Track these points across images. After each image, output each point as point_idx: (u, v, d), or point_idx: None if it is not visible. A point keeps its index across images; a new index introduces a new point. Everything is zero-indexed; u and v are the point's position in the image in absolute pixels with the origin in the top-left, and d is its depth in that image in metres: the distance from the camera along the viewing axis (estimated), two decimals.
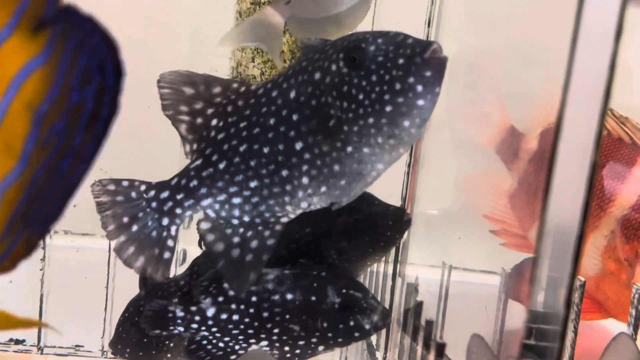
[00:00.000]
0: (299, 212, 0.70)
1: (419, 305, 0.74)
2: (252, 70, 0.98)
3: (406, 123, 0.64)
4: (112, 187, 0.71)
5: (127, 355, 0.82)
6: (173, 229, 0.71)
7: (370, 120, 0.64)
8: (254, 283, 0.72)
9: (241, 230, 0.70)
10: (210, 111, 0.71)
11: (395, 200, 0.91)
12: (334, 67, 0.66)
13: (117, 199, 0.71)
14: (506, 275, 0.85)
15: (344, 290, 0.77)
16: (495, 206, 1.14)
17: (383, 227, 0.81)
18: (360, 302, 0.78)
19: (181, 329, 0.76)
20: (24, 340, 0.85)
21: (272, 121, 0.68)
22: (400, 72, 0.63)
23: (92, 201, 1.14)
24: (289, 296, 0.77)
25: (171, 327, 0.76)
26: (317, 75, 0.66)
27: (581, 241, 0.60)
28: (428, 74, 0.62)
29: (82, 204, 1.15)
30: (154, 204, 0.71)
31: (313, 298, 0.77)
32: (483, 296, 1.06)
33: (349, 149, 0.66)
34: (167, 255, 0.71)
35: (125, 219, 0.71)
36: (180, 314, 0.76)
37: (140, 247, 0.71)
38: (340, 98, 0.65)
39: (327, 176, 0.68)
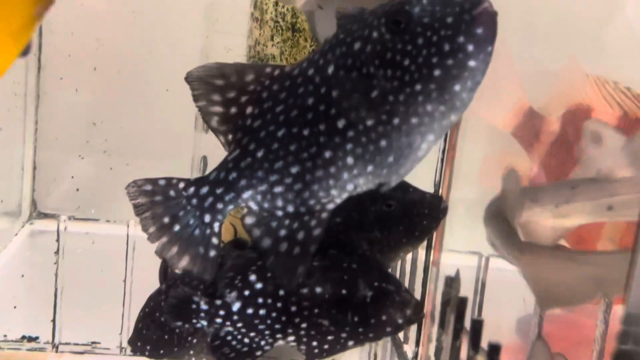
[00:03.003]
0: (344, 195, 0.66)
1: (462, 302, 0.69)
2: (270, 50, 0.93)
3: (457, 87, 0.59)
4: (148, 187, 0.67)
5: (147, 352, 0.78)
6: (216, 225, 0.67)
7: (418, 87, 0.59)
8: (302, 275, 0.67)
9: (287, 222, 0.67)
10: (244, 99, 0.66)
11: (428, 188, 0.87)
12: (375, 34, 0.61)
13: (155, 199, 0.67)
14: None
15: (376, 283, 0.73)
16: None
17: (419, 215, 0.76)
18: (393, 296, 0.74)
19: (204, 322, 0.72)
20: (37, 338, 0.82)
21: (310, 101, 0.64)
22: (448, 31, 0.58)
23: (95, 185, 1.14)
24: (318, 289, 0.72)
25: (194, 320, 0.72)
26: (357, 45, 0.62)
27: None
28: (479, 31, 0.57)
29: (85, 189, 1.14)
30: (194, 201, 0.67)
31: (343, 291, 0.72)
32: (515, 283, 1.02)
33: (396, 121, 0.61)
34: (212, 253, 0.67)
35: (166, 219, 0.67)
36: (204, 306, 0.72)
37: (184, 247, 0.67)
38: (384, 66, 0.60)
39: (373, 154, 0.63)
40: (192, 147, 0.96)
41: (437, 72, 0.58)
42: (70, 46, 1.12)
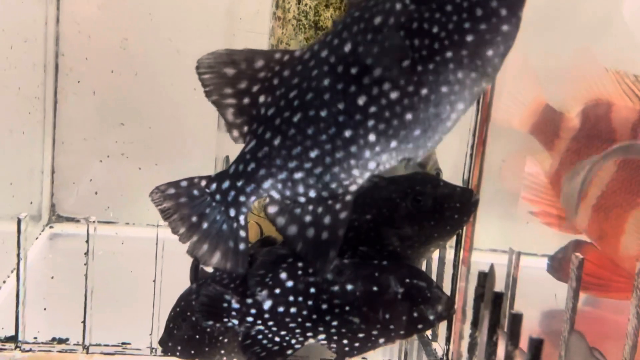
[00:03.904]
0: (366, 175, 0.65)
1: (498, 297, 0.68)
2: (294, 48, 0.92)
3: (490, 52, 0.58)
4: (172, 190, 0.68)
5: (178, 353, 0.77)
6: (241, 218, 0.67)
7: (449, 54, 0.58)
8: (334, 260, 0.67)
9: (310, 207, 0.66)
10: (256, 88, 0.66)
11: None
12: (399, 6, 0.60)
13: (180, 201, 0.67)
14: (578, 260, 0.79)
15: (407, 280, 0.72)
16: (535, 187, 1.11)
17: (450, 209, 0.75)
18: (425, 292, 0.73)
19: (235, 322, 0.71)
20: (67, 339, 0.81)
21: (326, 82, 0.63)
22: None
23: (113, 187, 1.14)
24: (349, 287, 0.72)
25: (225, 319, 0.71)
26: (378, 20, 0.61)
27: None
28: None
29: (103, 192, 1.14)
30: (218, 197, 0.67)
31: (374, 288, 0.72)
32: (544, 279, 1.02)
33: (424, 91, 0.60)
34: (242, 246, 0.68)
35: (194, 219, 0.67)
36: (235, 305, 0.71)
37: (214, 243, 0.68)
38: (411, 37, 0.59)
39: (397, 128, 0.62)
40: (214, 147, 0.96)
41: (469, 38, 0.58)
42: (88, 49, 1.12)
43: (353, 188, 0.65)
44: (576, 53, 1.06)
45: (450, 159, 0.86)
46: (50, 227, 1.17)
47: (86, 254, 0.78)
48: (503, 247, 1.13)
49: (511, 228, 1.16)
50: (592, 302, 1.07)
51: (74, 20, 1.12)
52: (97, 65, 1.12)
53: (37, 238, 1.12)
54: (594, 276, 1.02)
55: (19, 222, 0.78)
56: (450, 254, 0.89)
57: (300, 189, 0.66)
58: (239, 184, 0.66)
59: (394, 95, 0.60)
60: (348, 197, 0.65)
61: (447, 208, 0.75)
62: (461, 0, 0.58)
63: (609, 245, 1.02)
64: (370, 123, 0.62)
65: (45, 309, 0.88)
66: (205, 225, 0.67)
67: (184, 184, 0.67)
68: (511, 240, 1.17)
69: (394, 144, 0.62)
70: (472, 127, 0.83)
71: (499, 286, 0.77)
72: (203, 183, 0.67)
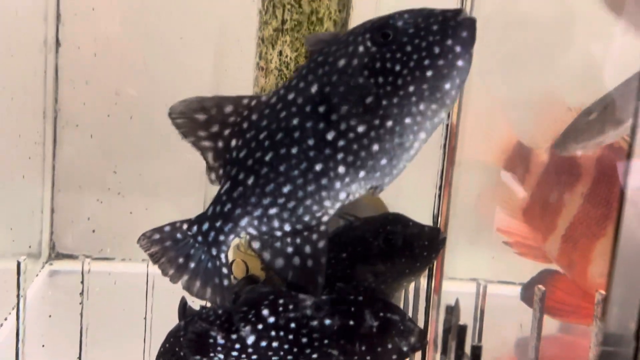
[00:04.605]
0: (337, 205, 0.70)
1: (462, 329, 0.73)
2: None
3: (447, 85, 0.65)
4: (157, 236, 0.72)
5: None
6: (222, 256, 0.72)
7: (411, 88, 0.65)
8: (322, 284, 0.72)
9: (289, 239, 0.71)
10: (227, 132, 0.71)
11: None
12: (361, 49, 0.66)
13: (166, 245, 0.72)
14: (541, 292, 0.85)
15: (381, 314, 0.77)
16: (509, 220, 1.16)
17: (419, 247, 0.81)
18: (398, 325, 0.78)
19: (221, 356, 0.76)
20: None
21: (295, 121, 0.68)
22: (437, 36, 0.64)
23: (110, 225, 1.19)
24: (327, 321, 0.76)
25: (212, 354, 0.76)
26: (342, 62, 0.67)
27: None
28: (464, 34, 0.64)
29: (101, 229, 1.20)
30: (199, 238, 0.72)
31: (351, 322, 0.76)
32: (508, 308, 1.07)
33: (389, 123, 0.66)
34: (225, 282, 0.72)
35: (181, 260, 0.72)
36: (220, 341, 0.76)
37: (204, 280, 0.72)
38: (375, 75, 0.65)
39: (365, 159, 0.67)
40: (204, 186, 1.02)
41: (429, 73, 0.64)
42: (86, 95, 1.19)
43: (325, 219, 0.70)
44: (542, 90, 1.13)
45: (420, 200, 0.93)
46: (50, 264, 1.22)
47: (81, 293, 0.83)
48: (479, 276, 1.19)
49: (488, 257, 1.22)
50: (565, 328, 1.12)
51: (71, 68, 1.19)
52: (94, 110, 1.19)
53: (37, 275, 1.18)
54: (564, 303, 1.08)
55: (18, 264, 0.84)
56: (424, 283, 0.94)
57: (276, 224, 0.71)
58: (218, 224, 0.71)
59: (361, 129, 0.66)
60: (322, 227, 0.70)
61: (416, 246, 0.81)
62: (419, 41, 0.65)
63: (578, 274, 1.07)
64: (340, 156, 0.67)
65: (43, 345, 0.93)
66: (192, 265, 0.72)
67: (167, 228, 0.72)
68: (488, 269, 1.23)
69: (362, 174, 0.68)
70: (440, 169, 0.89)
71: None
72: (185, 226, 0.72)
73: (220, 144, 0.71)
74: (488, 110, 1.14)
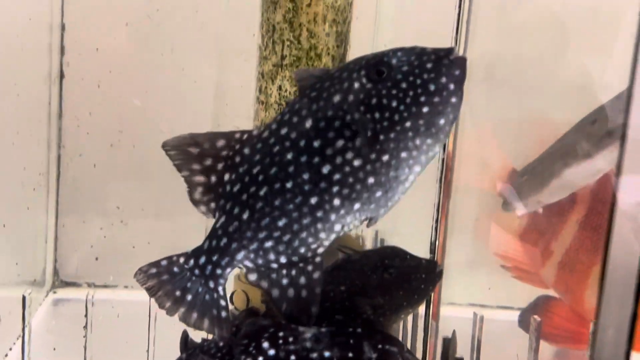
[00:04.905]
0: (332, 237, 0.71)
1: None
2: None
3: (442, 121, 0.67)
4: (153, 270, 0.74)
5: None
6: (220, 289, 0.74)
7: (408, 124, 0.67)
8: (316, 314, 0.74)
9: (284, 271, 0.72)
10: (220, 166, 0.72)
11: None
12: (357, 85, 0.68)
13: (163, 279, 0.74)
14: (537, 323, 0.86)
15: (379, 346, 0.78)
16: (506, 245, 1.18)
17: (416, 280, 0.83)
18: (397, 357, 0.79)
19: None
20: None
21: (290, 156, 0.69)
22: (431, 74, 0.67)
23: (113, 253, 1.21)
24: (327, 354, 0.77)
25: None
26: (338, 98, 0.69)
27: None
28: (457, 72, 0.67)
29: (104, 257, 1.22)
30: (196, 272, 0.73)
31: (350, 355, 0.77)
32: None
33: (385, 157, 0.68)
34: (223, 314, 0.74)
35: (178, 293, 0.73)
36: None
37: (202, 312, 0.74)
38: (371, 111, 0.67)
39: (360, 192, 0.69)
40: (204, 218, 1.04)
41: (425, 109, 0.67)
42: (89, 125, 1.21)
43: (321, 250, 0.72)
44: (534, 118, 1.15)
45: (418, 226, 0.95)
46: (54, 292, 1.24)
47: (85, 327, 0.85)
48: (478, 301, 1.20)
49: (487, 283, 1.23)
50: (563, 354, 1.14)
51: (75, 99, 1.22)
52: (98, 140, 1.21)
53: (40, 304, 1.20)
54: (562, 329, 1.09)
55: (24, 299, 0.86)
56: (422, 310, 0.96)
57: (272, 256, 0.72)
58: (214, 258, 0.73)
59: (357, 162, 0.68)
60: (318, 259, 0.72)
61: (414, 279, 0.83)
62: (414, 78, 0.67)
63: (575, 300, 1.08)
64: (335, 189, 0.69)
65: None
66: (189, 297, 0.73)
67: (164, 262, 0.74)
68: (486, 295, 1.24)
69: (357, 206, 0.69)
70: (436, 202, 0.91)
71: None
72: (181, 260, 0.74)
73: (213, 178, 0.72)
74: (483, 137, 1.16)
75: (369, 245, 1.13)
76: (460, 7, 0.87)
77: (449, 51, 0.68)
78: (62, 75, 1.20)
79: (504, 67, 1.06)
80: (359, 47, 0.97)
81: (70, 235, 1.24)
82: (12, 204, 1.09)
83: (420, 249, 0.94)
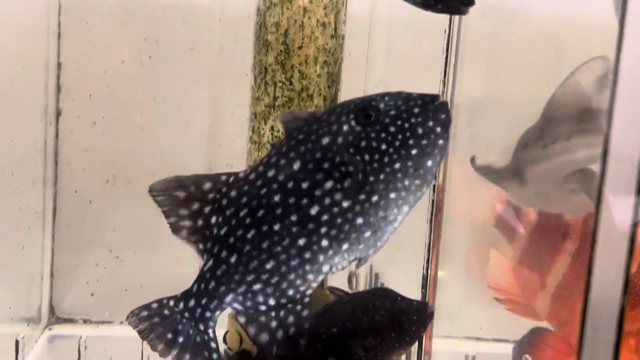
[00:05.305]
0: (320, 278, 0.72)
1: None
2: None
3: (430, 163, 0.69)
4: (145, 313, 0.75)
5: None
6: (210, 331, 0.75)
7: (397, 165, 0.69)
8: (304, 347, 0.74)
9: (273, 313, 0.73)
10: (207, 209, 0.73)
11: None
12: (345, 128, 0.70)
13: (154, 321, 0.75)
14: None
15: None
16: (499, 277, 1.19)
17: (408, 322, 0.83)
18: None
19: None
20: None
21: (277, 198, 0.70)
22: (419, 118, 0.69)
23: (109, 289, 1.22)
24: None
25: None
26: (327, 140, 0.70)
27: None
28: (443, 117, 0.70)
29: (99, 293, 1.22)
30: (186, 314, 0.74)
31: None
32: None
33: (374, 198, 0.69)
34: (215, 356, 0.75)
35: (170, 335, 0.74)
36: None
37: (194, 353, 0.75)
38: (361, 153, 0.69)
39: (348, 232, 0.70)
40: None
41: (414, 152, 0.69)
42: (84, 162, 1.23)
43: (309, 292, 0.73)
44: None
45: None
46: (49, 329, 1.24)
47: None
48: (472, 334, 1.20)
49: (480, 315, 1.23)
50: None
51: (71, 136, 1.23)
52: (93, 177, 1.22)
53: (36, 341, 1.20)
54: None
55: (17, 343, 0.86)
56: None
57: (260, 299, 0.73)
58: (203, 301, 0.74)
59: (345, 203, 0.69)
60: (306, 300, 0.73)
61: (405, 321, 0.84)
62: (402, 122, 0.70)
63: (568, 331, 1.09)
64: (323, 230, 0.70)
65: None
66: (181, 339, 0.74)
67: (154, 305, 0.75)
68: (480, 327, 1.25)
69: (345, 246, 0.71)
70: (427, 242, 0.92)
71: None
72: (171, 303, 0.75)
73: (200, 222, 0.73)
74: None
75: (362, 279, 1.14)
76: (447, 50, 0.89)
77: (435, 97, 0.71)
78: (58, 113, 1.21)
79: (493, 106, 1.07)
80: (351, 87, 0.99)
81: (66, 271, 1.24)
82: (7, 245, 1.10)
83: (415, 280, 0.95)
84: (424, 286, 0.98)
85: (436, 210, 0.95)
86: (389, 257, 1.08)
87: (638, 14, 0.63)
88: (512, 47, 1.00)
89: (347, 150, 0.69)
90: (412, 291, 0.92)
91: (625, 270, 0.72)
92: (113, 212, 1.22)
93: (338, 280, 1.05)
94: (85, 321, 1.14)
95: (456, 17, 0.91)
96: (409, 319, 0.84)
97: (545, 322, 1.13)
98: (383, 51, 1.08)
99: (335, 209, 0.69)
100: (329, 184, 0.69)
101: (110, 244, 1.23)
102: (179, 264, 1.19)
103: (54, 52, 1.21)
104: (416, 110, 0.69)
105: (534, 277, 1.14)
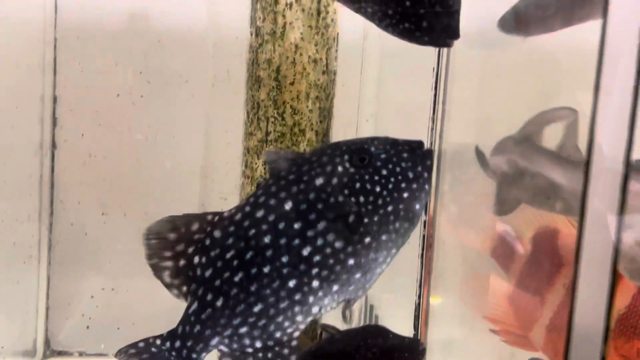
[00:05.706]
0: (309, 319, 0.72)
1: None
2: None
3: (417, 206, 0.72)
4: (133, 351, 0.74)
5: None
6: None
7: (390, 208, 0.70)
8: None
9: (260, 354, 0.73)
10: (191, 250, 0.72)
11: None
12: (340, 169, 0.71)
13: (143, 358, 0.74)
14: None
15: None
16: (496, 307, 1.18)
17: (400, 359, 0.83)
18: None
19: None
20: None
21: (267, 239, 0.70)
22: (409, 163, 0.72)
23: (104, 321, 1.22)
24: None
25: None
26: (320, 181, 0.71)
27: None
28: (428, 162, 0.73)
29: (95, 326, 1.22)
30: (173, 353, 0.74)
31: None
32: None
33: (367, 239, 0.70)
34: None
35: None
36: None
37: None
38: (355, 194, 0.70)
39: (339, 273, 0.70)
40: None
41: (405, 195, 0.71)
42: (79, 194, 1.23)
43: (297, 334, 0.73)
44: None
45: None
46: None
47: None
48: None
49: (475, 346, 1.23)
50: None
51: (67, 169, 1.24)
52: (88, 209, 1.23)
53: None
54: None
55: None
56: None
57: (247, 341, 0.73)
58: (189, 344, 0.73)
59: (338, 244, 0.70)
60: (294, 343, 0.73)
61: (397, 358, 0.83)
62: (393, 166, 0.71)
63: None
64: (315, 271, 0.70)
65: None
66: None
67: (141, 344, 0.74)
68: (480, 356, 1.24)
69: (335, 287, 0.71)
70: (418, 278, 0.92)
71: None
72: (158, 342, 0.74)
73: (182, 262, 0.73)
74: (474, 198, 1.17)
75: (356, 312, 1.14)
76: (436, 87, 0.90)
77: (420, 144, 0.73)
78: (54, 146, 1.22)
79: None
80: (342, 120, 1.00)
81: (62, 304, 1.24)
82: (3, 279, 1.10)
83: (411, 307, 0.95)
84: (417, 317, 0.98)
85: (427, 246, 0.96)
86: (384, 285, 1.08)
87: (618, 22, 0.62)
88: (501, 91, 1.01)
89: (341, 191, 0.70)
90: (407, 319, 0.92)
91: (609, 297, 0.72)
92: (109, 244, 1.22)
93: (332, 312, 1.05)
94: (80, 354, 1.14)
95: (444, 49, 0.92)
96: (401, 356, 0.84)
97: (541, 352, 1.13)
98: (374, 85, 1.09)
99: (328, 250, 0.70)
100: (322, 225, 0.70)
101: (106, 276, 1.24)
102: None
103: (49, 85, 1.22)
104: (405, 155, 0.72)
105: (529, 307, 1.14)
